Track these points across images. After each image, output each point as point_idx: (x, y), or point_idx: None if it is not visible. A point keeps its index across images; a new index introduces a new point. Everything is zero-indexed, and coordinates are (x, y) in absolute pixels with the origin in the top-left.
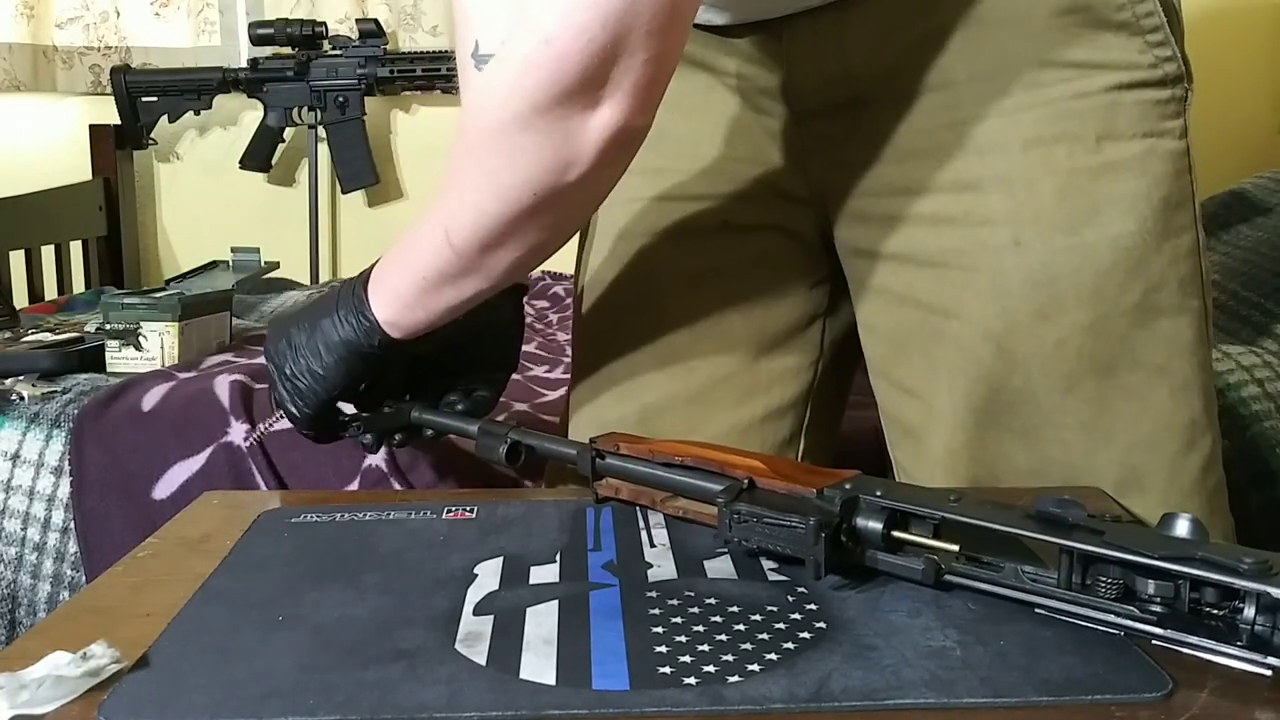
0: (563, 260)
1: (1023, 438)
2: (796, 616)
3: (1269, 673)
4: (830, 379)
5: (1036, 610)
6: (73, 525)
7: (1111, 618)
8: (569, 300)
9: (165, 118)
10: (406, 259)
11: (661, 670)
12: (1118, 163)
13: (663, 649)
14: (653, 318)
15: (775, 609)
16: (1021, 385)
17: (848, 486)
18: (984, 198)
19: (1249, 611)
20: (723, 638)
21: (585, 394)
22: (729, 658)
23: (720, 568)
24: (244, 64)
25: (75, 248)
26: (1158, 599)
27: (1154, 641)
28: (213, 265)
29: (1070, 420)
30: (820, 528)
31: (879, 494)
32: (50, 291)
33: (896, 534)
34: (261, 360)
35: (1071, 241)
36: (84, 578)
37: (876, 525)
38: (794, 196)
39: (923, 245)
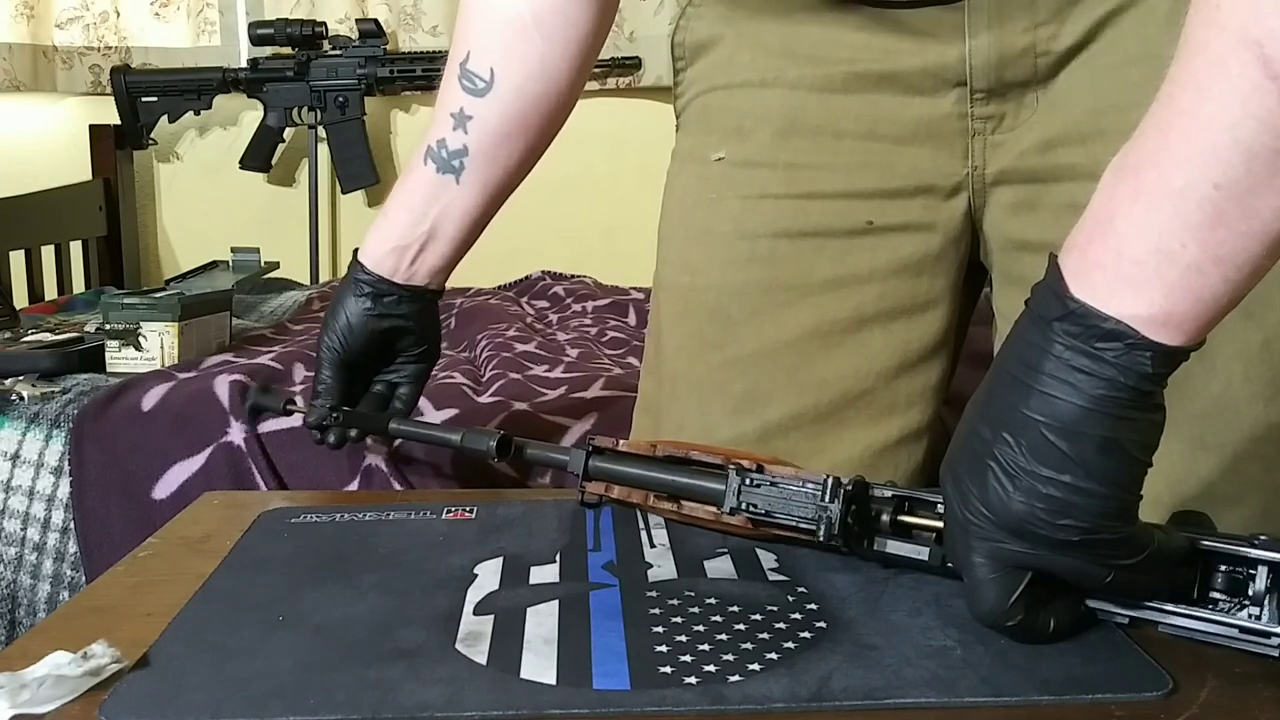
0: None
1: (1217, 453)
2: (797, 616)
3: (1276, 654)
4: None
5: None
6: (73, 525)
7: (1118, 606)
8: (569, 300)
9: (165, 118)
10: (1144, 191)
11: (662, 670)
12: None
13: (663, 649)
14: (777, 326)
15: (775, 609)
16: (1220, 392)
17: (857, 476)
18: None
19: (1259, 586)
20: (723, 637)
21: (687, 407)
22: (729, 657)
23: (720, 568)
24: (244, 64)
25: (75, 248)
26: None
27: (1160, 628)
28: (213, 265)
29: (1274, 434)
30: (837, 485)
31: (889, 481)
32: (50, 291)
33: (904, 519)
34: (261, 360)
35: None
36: (84, 578)
37: (885, 510)
38: (943, 189)
39: None
